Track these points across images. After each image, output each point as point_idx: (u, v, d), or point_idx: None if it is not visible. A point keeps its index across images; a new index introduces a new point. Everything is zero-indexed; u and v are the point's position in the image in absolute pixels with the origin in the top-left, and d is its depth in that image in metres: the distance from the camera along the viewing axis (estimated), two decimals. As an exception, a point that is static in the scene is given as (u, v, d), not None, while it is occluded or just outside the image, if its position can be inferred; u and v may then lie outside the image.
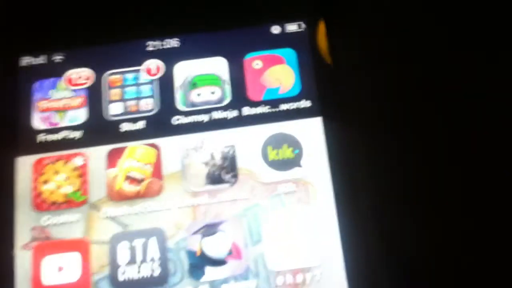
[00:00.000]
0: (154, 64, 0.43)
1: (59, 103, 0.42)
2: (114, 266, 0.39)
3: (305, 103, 0.42)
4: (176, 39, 0.44)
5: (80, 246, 0.39)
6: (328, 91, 0.42)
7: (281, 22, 0.44)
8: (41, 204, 0.40)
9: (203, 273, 0.38)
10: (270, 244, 0.39)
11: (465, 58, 0.42)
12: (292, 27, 0.44)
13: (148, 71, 0.43)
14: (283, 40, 0.45)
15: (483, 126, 0.41)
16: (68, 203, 0.40)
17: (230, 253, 0.38)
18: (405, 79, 0.42)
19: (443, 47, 0.43)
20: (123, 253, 0.39)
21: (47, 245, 0.40)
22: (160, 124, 0.42)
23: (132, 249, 0.39)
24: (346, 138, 0.41)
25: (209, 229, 0.39)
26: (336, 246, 0.39)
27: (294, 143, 0.41)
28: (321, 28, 0.44)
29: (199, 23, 0.44)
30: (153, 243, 0.39)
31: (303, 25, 0.44)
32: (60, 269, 0.38)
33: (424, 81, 0.42)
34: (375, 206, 0.40)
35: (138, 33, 0.44)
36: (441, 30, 0.43)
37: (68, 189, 0.40)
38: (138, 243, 0.39)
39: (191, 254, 0.38)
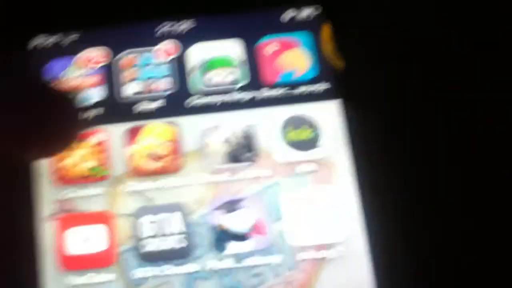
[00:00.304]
0: (170, 45, 0.44)
1: (75, 81, 0.43)
2: (139, 238, 0.40)
3: (322, 86, 0.43)
4: (192, 20, 0.45)
5: (105, 218, 0.40)
6: (345, 74, 0.43)
7: (298, 5, 0.46)
8: (63, 178, 0.41)
9: (226, 247, 0.39)
10: (291, 221, 0.40)
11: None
12: (308, 10, 0.45)
13: (164, 52, 0.44)
14: (299, 24, 0.46)
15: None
16: (91, 178, 0.41)
17: (253, 229, 0.39)
18: (427, 61, 0.44)
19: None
20: (147, 226, 0.40)
21: (71, 217, 0.40)
22: (177, 104, 0.43)
23: (157, 222, 0.40)
24: (364, 120, 0.43)
25: (231, 205, 0.40)
26: (357, 224, 0.41)
27: (312, 125, 0.42)
28: (325, 32, 0.45)
29: (215, 4, 0.45)
30: (176, 217, 0.40)
31: (320, 8, 0.45)
32: (85, 240, 0.39)
33: (447, 64, 0.44)
34: (394, 185, 0.41)
35: (154, 13, 0.45)
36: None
37: (89, 164, 0.40)
38: (162, 216, 0.40)
39: (214, 228, 0.39)
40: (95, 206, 0.41)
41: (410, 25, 0.45)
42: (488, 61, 0.44)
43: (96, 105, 0.42)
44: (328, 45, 0.44)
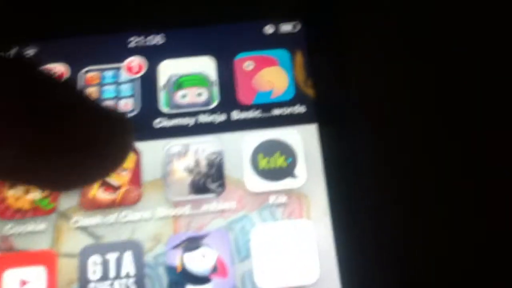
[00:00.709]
0: (136, 62, 0.40)
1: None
2: (84, 282, 0.36)
3: (299, 109, 0.39)
4: (161, 35, 0.41)
5: (47, 258, 0.36)
6: (324, 96, 0.39)
7: (275, 21, 0.42)
8: (4, 212, 0.38)
9: (184, 292, 0.35)
10: (259, 261, 0.36)
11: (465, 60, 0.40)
12: (286, 27, 0.41)
13: (129, 69, 0.40)
14: (277, 41, 0.42)
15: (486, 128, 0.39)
16: (35, 211, 0.38)
17: (214, 270, 0.35)
18: (408, 84, 0.40)
19: (445, 52, 0.40)
20: (94, 268, 0.36)
21: (9, 257, 0.37)
22: (141, 126, 0.39)
23: (105, 264, 0.36)
24: (343, 146, 0.39)
25: (192, 243, 0.36)
26: (332, 264, 0.37)
27: (287, 151, 0.38)
28: (299, 60, 0.41)
29: (186, 19, 0.41)
30: (128, 257, 0.36)
31: (299, 26, 0.41)
32: (23, 283, 0.35)
33: (426, 86, 0.40)
34: (373, 221, 0.37)
35: (119, 27, 0.41)
36: (441, 35, 0.40)
37: (35, 195, 0.36)
38: (111, 256, 0.36)
39: (171, 270, 0.35)
40: (36, 245, 0.37)
41: (392, 46, 0.42)
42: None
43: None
44: (300, 72, 0.39)
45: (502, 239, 0.37)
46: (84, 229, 0.37)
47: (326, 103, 0.39)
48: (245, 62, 0.41)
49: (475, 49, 0.40)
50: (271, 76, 0.41)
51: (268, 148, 0.39)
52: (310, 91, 0.40)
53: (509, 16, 0.41)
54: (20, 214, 0.37)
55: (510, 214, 0.37)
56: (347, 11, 0.42)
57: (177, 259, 0.36)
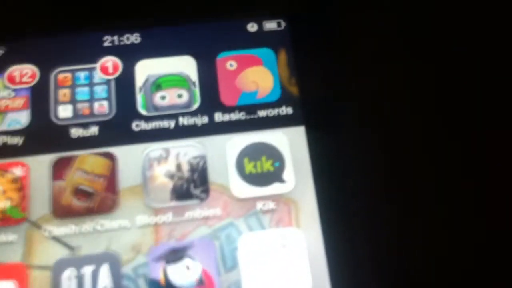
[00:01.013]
0: (111, 62, 0.38)
1: (-2, 103, 0.36)
2: (57, 298, 0.33)
3: (286, 110, 0.38)
4: (137, 34, 0.38)
5: (17, 272, 0.34)
6: (311, 97, 0.38)
7: (259, 18, 0.40)
8: (-29, 221, 0.35)
9: (166, 306, 0.33)
10: (247, 271, 0.34)
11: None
12: (270, 25, 0.39)
13: (104, 70, 0.38)
14: (261, 39, 0.41)
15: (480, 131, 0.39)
16: (5, 221, 0.36)
17: (200, 282, 0.33)
18: (396, 85, 0.40)
19: (436, 52, 0.40)
20: (69, 282, 0.34)
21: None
22: (117, 130, 0.37)
23: (80, 277, 0.34)
24: (332, 149, 0.38)
25: (175, 254, 0.34)
26: (323, 273, 0.35)
27: (274, 155, 0.37)
28: (282, 57, 0.40)
29: (164, 16, 0.40)
30: (105, 270, 0.34)
31: (283, 23, 0.39)
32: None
33: (417, 87, 0.40)
34: (365, 227, 0.36)
35: (93, 25, 0.39)
36: (431, 34, 0.40)
37: (4, 204, 0.35)
38: (87, 270, 0.35)
39: (153, 283, 0.34)
40: (6, 257, 0.35)
41: (383, 44, 0.41)
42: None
43: (17, 132, 0.35)
44: (284, 70, 0.38)
45: (502, 239, 0.36)
46: (57, 239, 0.34)
47: (312, 103, 0.38)
48: (227, 62, 0.39)
49: (475, 49, 0.40)
50: (256, 76, 0.39)
51: (254, 152, 0.38)
52: (294, 89, 0.39)
53: (509, 16, 0.41)
54: (-13, 225, 0.35)
55: (510, 214, 0.36)
56: (335, 8, 0.40)
57: (159, 271, 0.34)
